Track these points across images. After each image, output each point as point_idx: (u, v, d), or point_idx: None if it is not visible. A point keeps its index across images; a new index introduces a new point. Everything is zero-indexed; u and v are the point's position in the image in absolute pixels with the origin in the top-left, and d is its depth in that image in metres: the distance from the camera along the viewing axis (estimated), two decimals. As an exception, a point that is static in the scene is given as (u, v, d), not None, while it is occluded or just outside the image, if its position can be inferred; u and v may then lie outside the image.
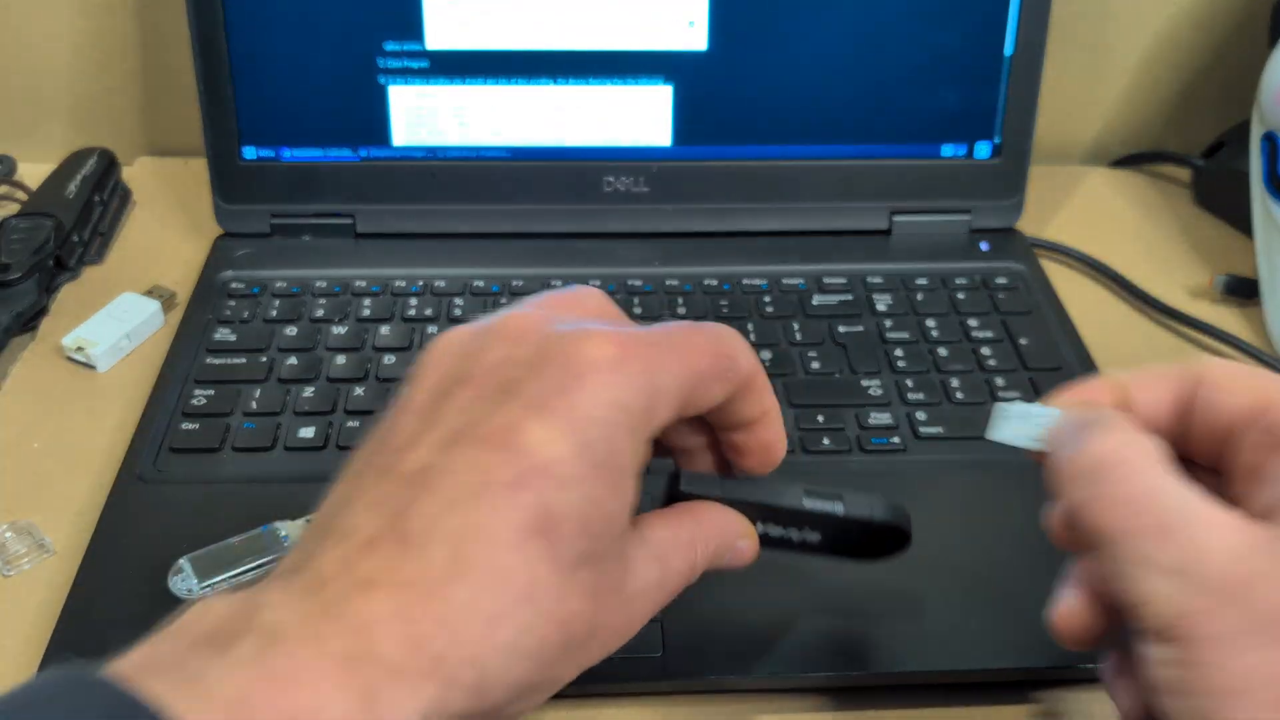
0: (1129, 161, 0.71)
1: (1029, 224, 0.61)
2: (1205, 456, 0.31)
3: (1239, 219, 0.63)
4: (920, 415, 0.48)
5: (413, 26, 0.56)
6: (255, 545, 0.40)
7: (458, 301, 0.55)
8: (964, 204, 0.60)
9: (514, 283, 0.56)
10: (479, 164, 0.58)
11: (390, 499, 0.26)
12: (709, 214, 0.59)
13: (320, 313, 0.53)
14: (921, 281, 0.57)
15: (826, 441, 0.47)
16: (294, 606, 0.24)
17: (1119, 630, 0.30)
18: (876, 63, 0.57)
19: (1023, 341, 0.53)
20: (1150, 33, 0.69)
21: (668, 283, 0.56)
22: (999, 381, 0.51)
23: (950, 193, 0.60)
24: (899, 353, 0.52)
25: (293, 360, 0.51)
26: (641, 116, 0.58)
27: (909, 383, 0.50)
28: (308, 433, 0.47)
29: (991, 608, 0.40)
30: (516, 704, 0.26)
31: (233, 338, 0.52)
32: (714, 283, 0.56)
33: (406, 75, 0.57)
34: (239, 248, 0.58)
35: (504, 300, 0.55)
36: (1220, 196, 0.66)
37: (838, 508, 0.33)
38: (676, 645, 0.38)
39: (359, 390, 0.49)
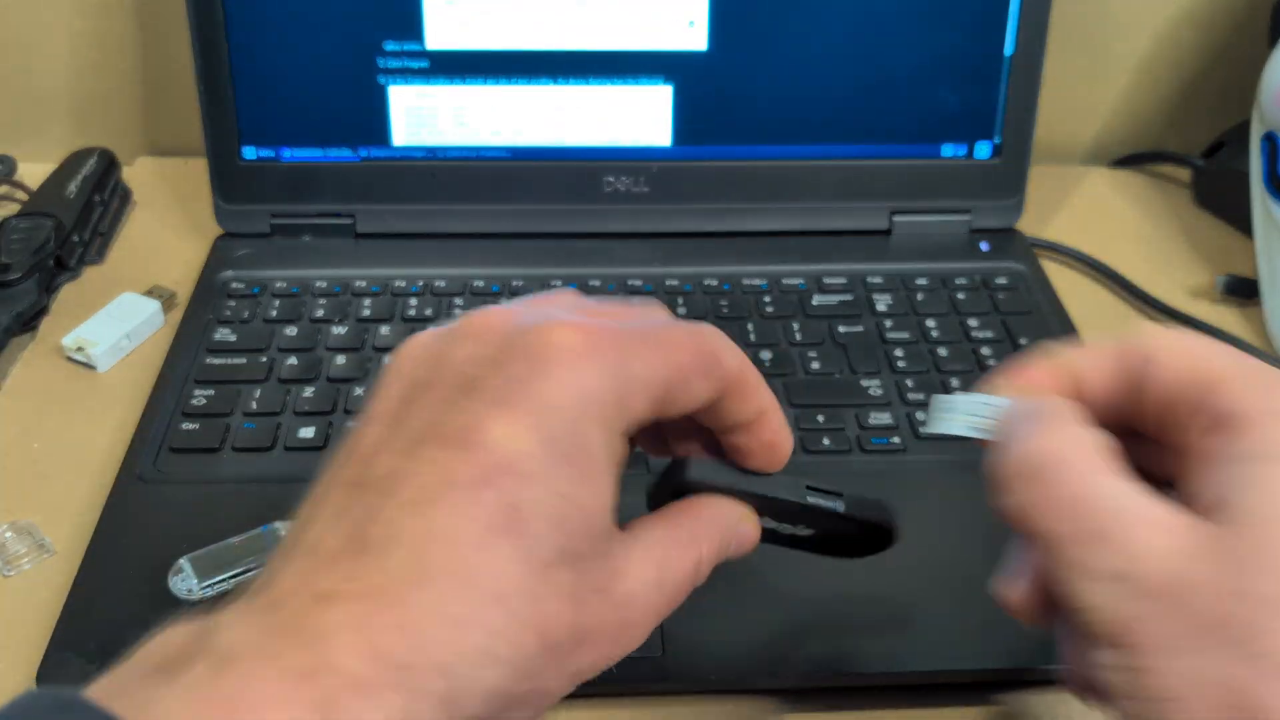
0: (1129, 161, 0.71)
1: (1029, 224, 0.61)
2: (1160, 434, 0.29)
3: (1239, 219, 0.63)
4: (920, 415, 0.48)
5: (413, 26, 0.55)
6: (255, 545, 0.40)
7: (458, 301, 0.55)
8: (964, 204, 0.60)
9: (514, 283, 0.56)
10: (479, 164, 0.58)
11: (353, 509, 0.25)
12: (709, 214, 0.59)
13: (320, 313, 0.53)
14: (921, 281, 0.57)
15: (826, 441, 0.47)
16: (251, 625, 0.23)
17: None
18: (876, 63, 0.57)
19: (1023, 341, 0.53)
20: (1150, 33, 0.69)
21: (668, 283, 0.56)
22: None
23: (950, 193, 0.60)
24: (899, 353, 0.52)
25: (293, 360, 0.51)
26: (641, 116, 0.58)
27: (909, 383, 0.50)
28: (308, 433, 0.47)
29: (992, 608, 0.39)
30: (501, 717, 0.25)
31: (233, 338, 0.52)
32: (714, 283, 0.56)
33: (406, 75, 0.57)
34: (239, 248, 0.58)
35: (503, 300, 0.55)
36: (1220, 196, 0.66)
37: (838, 505, 0.33)
38: (676, 645, 0.38)
39: (359, 390, 0.49)
